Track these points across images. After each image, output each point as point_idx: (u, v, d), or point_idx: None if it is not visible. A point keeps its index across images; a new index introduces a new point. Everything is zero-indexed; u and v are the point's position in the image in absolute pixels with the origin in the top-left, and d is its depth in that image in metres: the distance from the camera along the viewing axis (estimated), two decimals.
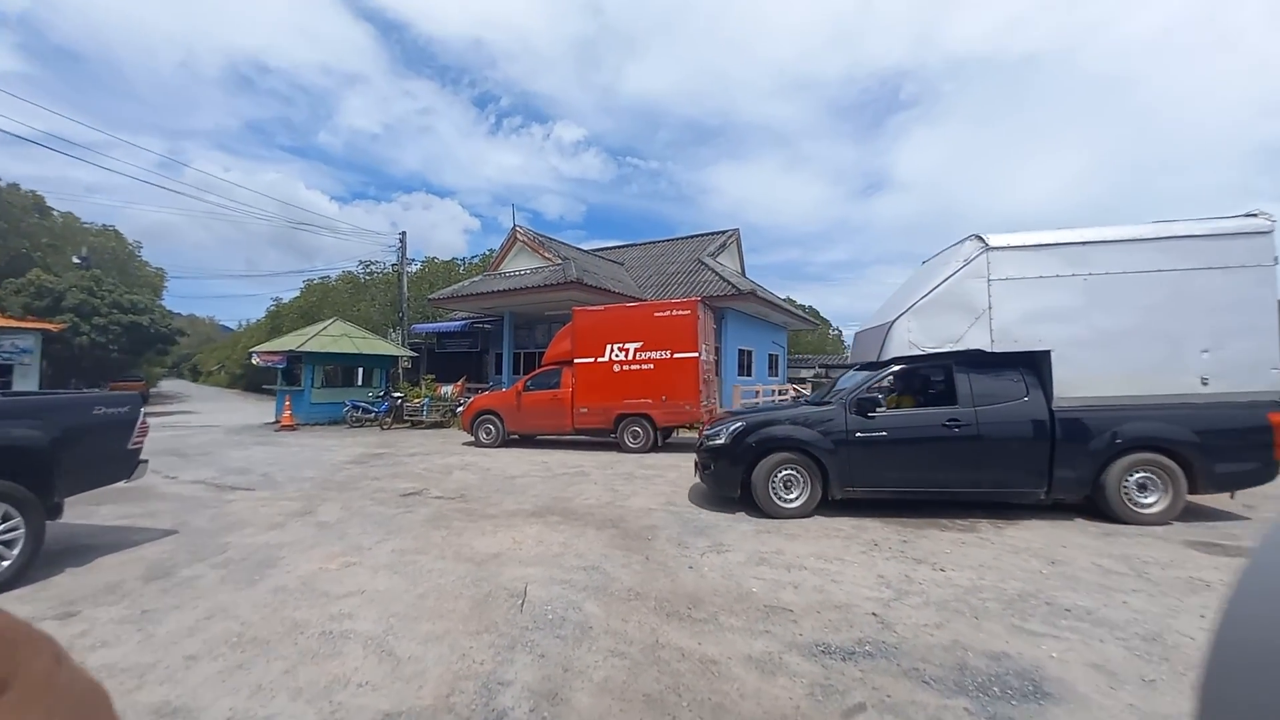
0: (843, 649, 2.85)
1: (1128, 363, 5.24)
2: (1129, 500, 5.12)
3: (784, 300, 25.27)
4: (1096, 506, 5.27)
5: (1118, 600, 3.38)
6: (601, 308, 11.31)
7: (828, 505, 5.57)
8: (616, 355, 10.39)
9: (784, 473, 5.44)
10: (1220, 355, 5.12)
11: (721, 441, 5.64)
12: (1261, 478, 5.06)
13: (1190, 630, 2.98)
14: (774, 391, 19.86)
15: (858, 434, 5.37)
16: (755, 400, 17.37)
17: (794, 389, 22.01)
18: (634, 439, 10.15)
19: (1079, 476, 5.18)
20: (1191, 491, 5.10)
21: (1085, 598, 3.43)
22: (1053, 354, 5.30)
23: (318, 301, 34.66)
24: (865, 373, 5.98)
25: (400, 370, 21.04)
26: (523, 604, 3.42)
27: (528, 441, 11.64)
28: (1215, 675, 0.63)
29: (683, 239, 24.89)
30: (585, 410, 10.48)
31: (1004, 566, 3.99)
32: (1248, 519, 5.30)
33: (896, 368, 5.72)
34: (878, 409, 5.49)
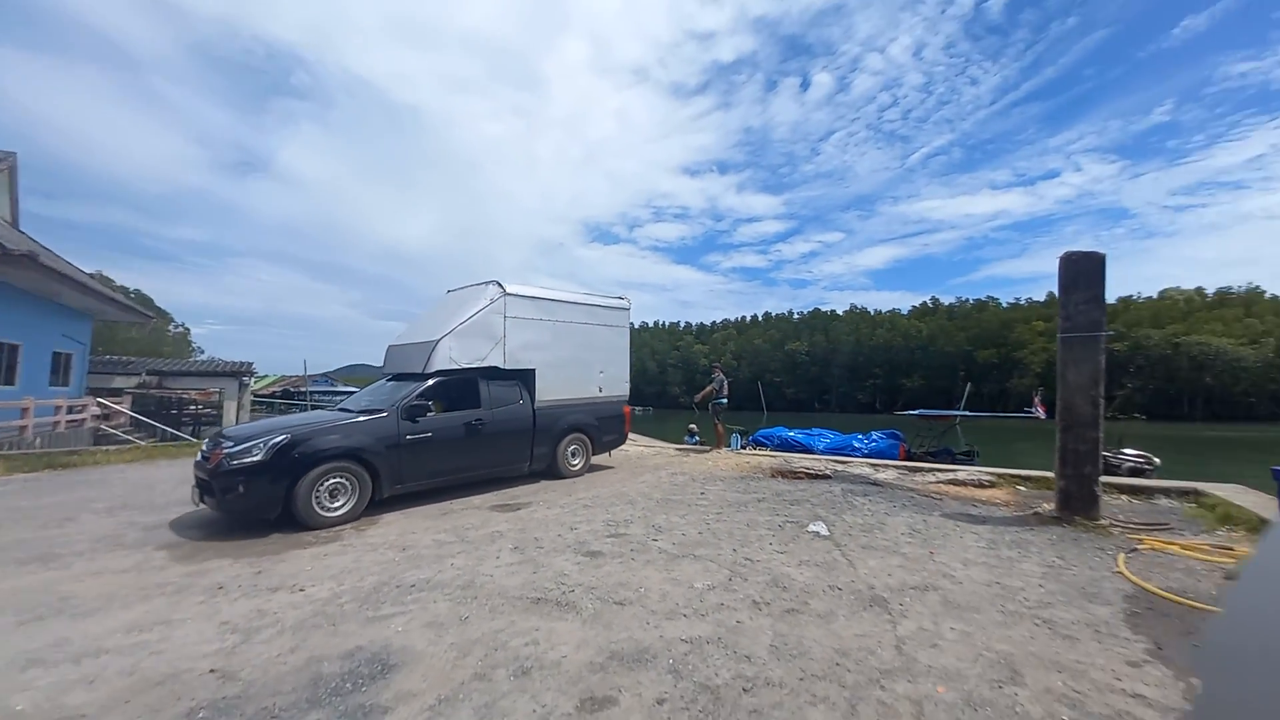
0: None
1: (570, 378, 8.06)
2: (568, 463, 7.92)
3: (92, 276, 18.04)
4: (551, 470, 7.73)
5: (448, 564, 4.24)
6: None
7: (373, 505, 5.86)
8: None
9: (330, 481, 5.45)
10: (607, 375, 8.62)
11: (258, 458, 5.16)
12: (620, 442, 9.14)
13: (489, 570, 4.09)
14: (57, 409, 13.64)
15: (408, 436, 6.07)
16: (22, 424, 11.48)
17: (99, 403, 15.86)
18: None
19: (546, 452, 7.58)
20: (593, 454, 8.41)
21: (425, 570, 4.11)
22: (536, 371, 7.55)
23: None
24: (407, 382, 6.67)
25: None
26: None
27: None
28: (1216, 672, 0.63)
29: None
30: None
31: (363, 566, 4.23)
32: (612, 467, 8.95)
33: (436, 379, 6.60)
34: (427, 413, 6.29)
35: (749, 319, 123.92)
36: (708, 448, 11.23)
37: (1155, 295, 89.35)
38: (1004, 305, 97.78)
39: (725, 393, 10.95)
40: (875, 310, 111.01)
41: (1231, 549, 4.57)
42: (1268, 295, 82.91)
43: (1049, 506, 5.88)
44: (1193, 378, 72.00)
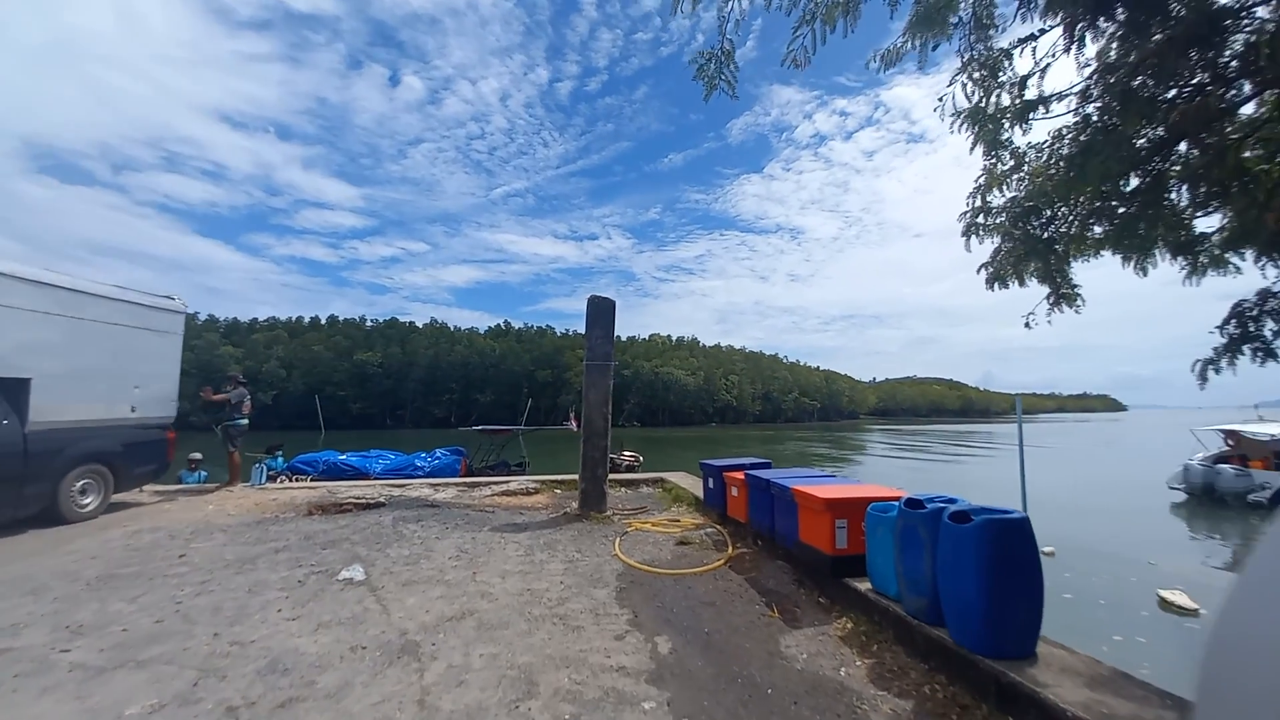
0: None
1: (92, 393, 6.37)
2: (75, 503, 6.03)
3: None
4: (49, 514, 5.76)
5: None
6: None
7: None
8: None
9: None
10: (146, 391, 7.04)
11: None
12: (161, 472, 7.45)
13: None
14: None
15: None
16: None
17: None
18: None
19: (42, 490, 5.73)
20: (116, 490, 6.57)
21: None
22: (33, 382, 5.72)
23: None
24: None
25: None
26: None
27: None
28: (1214, 667, 0.67)
29: None
30: None
31: None
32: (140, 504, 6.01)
33: None
34: None
35: (308, 320, 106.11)
36: (215, 486, 8.43)
37: (647, 337, 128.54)
38: (559, 334, 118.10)
39: (246, 410, 8.47)
40: (456, 327, 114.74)
41: (679, 520, 6.40)
42: (701, 344, 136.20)
43: (575, 506, 6.91)
44: (664, 396, 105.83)
